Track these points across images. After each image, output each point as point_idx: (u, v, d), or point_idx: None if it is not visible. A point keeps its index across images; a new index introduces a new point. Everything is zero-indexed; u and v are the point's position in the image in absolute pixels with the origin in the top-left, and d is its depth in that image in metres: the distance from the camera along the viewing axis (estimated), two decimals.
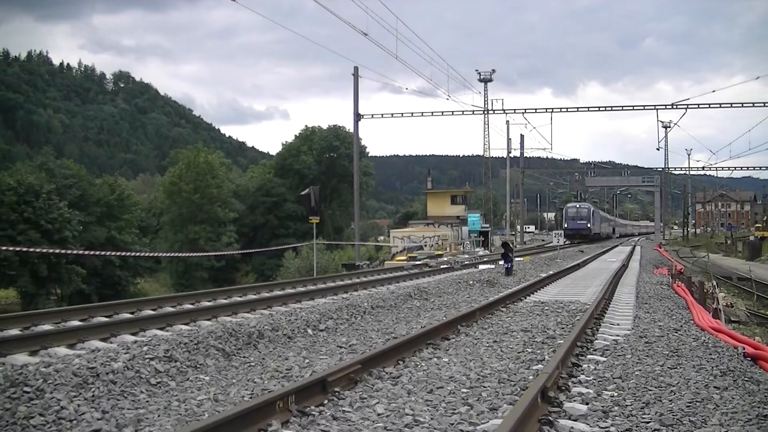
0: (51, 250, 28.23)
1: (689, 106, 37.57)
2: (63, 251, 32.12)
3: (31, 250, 27.33)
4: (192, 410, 5.06)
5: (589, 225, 52.47)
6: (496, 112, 49.01)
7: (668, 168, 66.05)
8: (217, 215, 61.71)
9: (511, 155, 55.01)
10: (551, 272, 18.62)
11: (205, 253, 48.87)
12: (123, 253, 39.74)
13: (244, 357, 7.26)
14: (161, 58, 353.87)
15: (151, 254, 50.13)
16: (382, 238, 65.28)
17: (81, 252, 37.46)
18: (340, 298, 12.08)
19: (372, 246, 54.20)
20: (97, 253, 33.74)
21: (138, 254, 43.65)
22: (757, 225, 74.88)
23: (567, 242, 48.40)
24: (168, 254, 50.11)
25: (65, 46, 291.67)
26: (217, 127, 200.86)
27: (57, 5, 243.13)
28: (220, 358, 7.03)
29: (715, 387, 5.60)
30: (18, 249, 31.26)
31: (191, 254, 47.86)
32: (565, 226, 52.32)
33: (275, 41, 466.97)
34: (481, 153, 63.29)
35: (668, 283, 17.51)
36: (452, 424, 4.64)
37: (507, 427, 3.86)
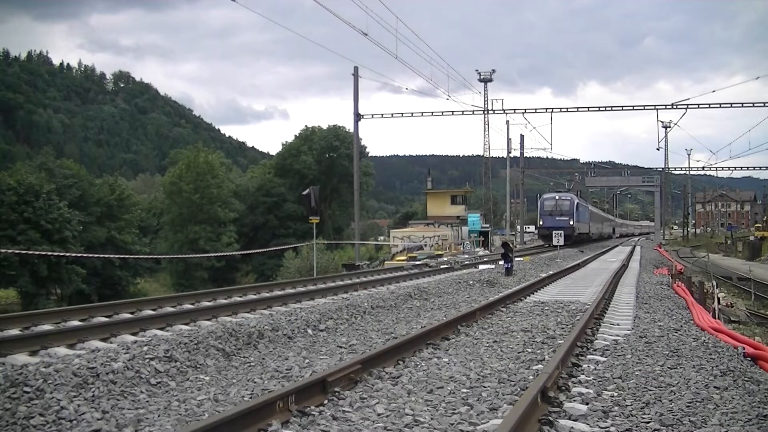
0: (51, 254, 28.26)
1: (689, 106, 37.57)
2: (63, 254, 32.14)
3: (31, 252, 27.32)
4: (192, 410, 5.05)
5: (571, 222, 41.32)
6: (496, 112, 48.97)
7: (668, 168, 66.05)
8: (217, 215, 61.73)
9: (511, 155, 55.06)
10: (551, 272, 18.61)
11: (204, 254, 48.98)
12: (122, 257, 39.78)
13: (244, 357, 7.26)
14: (159, 58, 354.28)
15: (151, 257, 50.15)
16: (382, 238, 65.25)
17: (81, 255, 37.44)
18: (340, 298, 12.08)
19: (372, 246, 54.20)
20: (97, 255, 33.80)
21: (137, 257, 43.66)
22: (757, 225, 74.91)
23: (545, 245, 41.25)
24: (167, 256, 50.16)
25: (63, 46, 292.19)
26: (217, 127, 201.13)
27: (56, 4, 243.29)
28: (220, 358, 7.03)
29: (715, 387, 5.60)
30: (18, 251, 31.26)
31: (191, 255, 47.96)
32: (540, 223, 42.82)
33: (274, 41, 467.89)
34: (481, 153, 63.33)
35: (668, 283, 17.51)
36: (452, 424, 4.64)
37: (507, 427, 3.86)
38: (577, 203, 43.70)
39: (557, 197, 43.53)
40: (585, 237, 48.28)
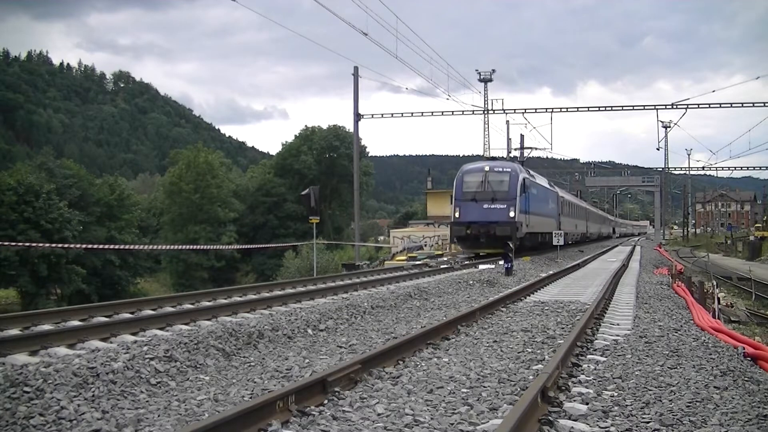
0: (50, 245, 28.39)
1: (689, 106, 37.53)
2: (63, 246, 32.30)
3: (34, 245, 27.40)
4: (192, 410, 5.06)
5: (511, 214, 23.93)
6: (495, 112, 48.94)
7: (668, 168, 66.02)
8: (217, 215, 61.81)
9: (511, 155, 54.96)
10: (551, 272, 18.61)
11: (205, 247, 49.26)
12: (125, 247, 39.98)
13: (244, 357, 7.26)
14: (158, 57, 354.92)
15: (154, 247, 50.46)
16: (382, 238, 65.32)
17: (81, 246, 37.61)
18: (340, 298, 12.07)
19: (372, 245, 54.25)
20: (99, 247, 33.98)
21: (140, 248, 43.98)
22: (757, 225, 74.98)
23: (458, 257, 26.69)
24: (170, 247, 50.44)
25: (61, 45, 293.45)
26: (217, 127, 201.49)
27: (55, 3, 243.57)
28: (220, 358, 7.03)
29: (715, 387, 5.60)
30: (18, 244, 31.45)
31: (192, 247, 48.27)
32: (456, 215, 24.60)
33: (273, 40, 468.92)
34: (481, 153, 63.27)
35: (668, 283, 17.50)
36: (452, 424, 4.64)
37: (507, 427, 3.87)
38: (524, 180, 25.03)
39: (487, 168, 24.92)
40: (546, 241, 28.94)
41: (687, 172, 72.91)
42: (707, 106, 36.71)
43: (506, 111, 45.51)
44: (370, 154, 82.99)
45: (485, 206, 24.09)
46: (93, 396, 5.39)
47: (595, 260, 27.40)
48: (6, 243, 21.68)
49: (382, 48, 28.60)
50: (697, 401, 5.16)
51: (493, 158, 27.41)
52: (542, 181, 31.58)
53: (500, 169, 25.05)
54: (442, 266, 21.80)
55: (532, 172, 29.89)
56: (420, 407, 5.03)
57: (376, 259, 40.17)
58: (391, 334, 8.64)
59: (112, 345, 7.18)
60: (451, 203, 25.01)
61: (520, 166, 27.28)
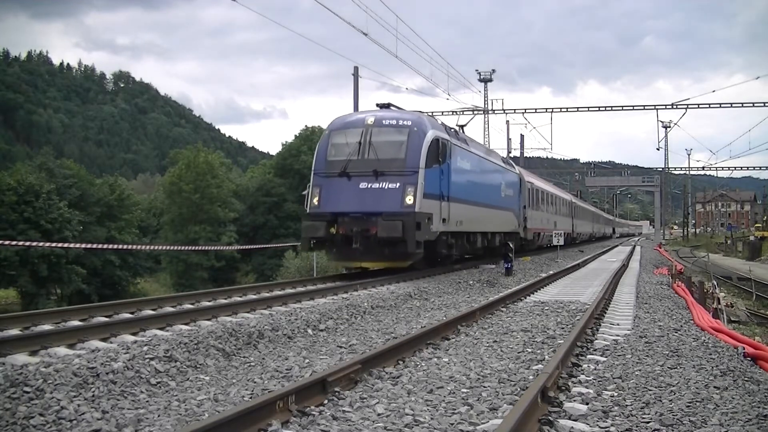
0: (50, 245, 28.49)
1: (689, 106, 37.53)
2: (63, 246, 32.38)
3: (34, 245, 27.47)
4: (192, 410, 5.06)
5: (409, 200, 13.75)
6: (496, 112, 48.92)
7: (668, 168, 65.97)
8: (217, 215, 61.77)
9: (511, 155, 54.99)
10: (551, 272, 18.61)
11: (206, 247, 49.30)
12: (125, 247, 40.10)
13: (244, 357, 7.26)
14: (156, 56, 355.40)
15: (154, 247, 50.55)
16: None
17: (81, 246, 37.66)
18: (340, 298, 12.06)
19: None
20: (99, 247, 34.11)
21: (140, 248, 44.10)
22: (757, 225, 75.03)
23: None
24: (170, 247, 50.49)
25: (60, 45, 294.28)
26: (216, 127, 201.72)
27: (53, 2, 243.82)
28: (220, 358, 7.03)
29: (715, 387, 5.60)
30: (18, 244, 31.52)
31: (192, 247, 48.30)
32: (314, 202, 14.54)
33: (272, 40, 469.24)
34: None
35: (668, 283, 17.50)
36: (452, 424, 4.64)
37: (507, 427, 3.87)
38: (439, 141, 15.37)
39: (371, 121, 14.97)
40: (495, 246, 21.19)
41: (687, 172, 72.99)
42: (707, 106, 36.72)
43: (506, 111, 45.56)
44: None
45: (363, 186, 14.38)
46: (93, 396, 5.39)
47: (595, 260, 27.40)
48: (6, 243, 21.74)
49: (382, 48, 28.46)
50: (697, 401, 5.16)
51: (386, 105, 16.54)
52: (490, 155, 22.13)
53: (393, 122, 15.05)
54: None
55: (464, 135, 19.20)
56: (420, 407, 5.03)
57: None
58: (391, 334, 8.64)
59: (112, 345, 7.17)
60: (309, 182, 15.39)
61: (434, 119, 17.07)
